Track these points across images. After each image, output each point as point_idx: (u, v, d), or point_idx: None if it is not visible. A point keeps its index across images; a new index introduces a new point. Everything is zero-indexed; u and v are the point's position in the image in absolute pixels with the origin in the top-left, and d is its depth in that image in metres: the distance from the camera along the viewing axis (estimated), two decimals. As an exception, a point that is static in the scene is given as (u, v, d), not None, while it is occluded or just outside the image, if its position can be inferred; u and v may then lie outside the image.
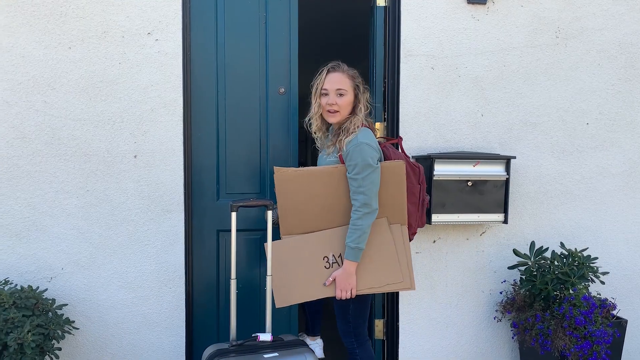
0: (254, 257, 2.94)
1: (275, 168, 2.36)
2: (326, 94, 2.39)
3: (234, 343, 2.34)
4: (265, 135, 2.92)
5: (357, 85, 2.42)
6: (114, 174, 2.69)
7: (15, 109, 2.59)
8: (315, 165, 2.47)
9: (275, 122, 2.92)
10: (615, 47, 3.18)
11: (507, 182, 2.93)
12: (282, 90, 2.92)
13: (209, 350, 2.36)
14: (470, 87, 3.03)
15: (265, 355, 2.22)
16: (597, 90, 3.18)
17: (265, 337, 2.35)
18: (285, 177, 2.37)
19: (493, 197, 2.92)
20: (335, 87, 2.37)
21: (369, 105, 2.47)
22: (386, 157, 2.40)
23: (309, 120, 2.51)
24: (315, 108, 2.46)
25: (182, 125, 2.75)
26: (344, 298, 2.33)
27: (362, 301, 2.43)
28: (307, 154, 7.54)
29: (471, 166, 2.89)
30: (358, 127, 2.36)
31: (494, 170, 2.92)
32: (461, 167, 2.89)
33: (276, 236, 2.77)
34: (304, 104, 2.91)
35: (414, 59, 2.97)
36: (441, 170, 2.84)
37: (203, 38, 2.83)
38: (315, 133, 2.53)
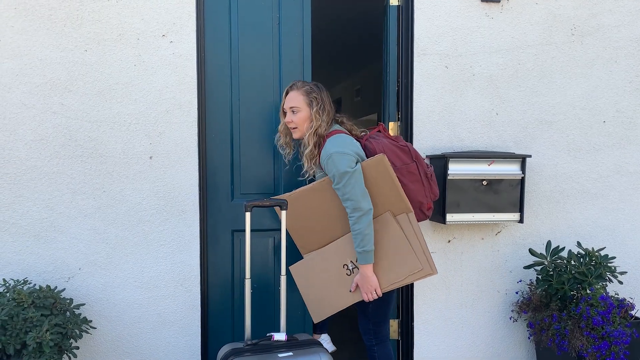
0: (268, 256, 2.95)
1: (277, 210, 2.53)
2: (285, 112, 2.54)
3: (249, 342, 2.35)
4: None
5: (311, 100, 2.48)
6: (130, 175, 2.72)
7: (33, 111, 2.63)
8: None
9: (289, 123, 2.93)
10: (633, 44, 3.15)
11: (522, 181, 2.90)
12: (296, 90, 2.93)
13: (224, 350, 2.37)
14: (485, 85, 3.01)
15: (280, 355, 2.23)
16: (613, 87, 3.14)
17: (280, 336, 2.36)
18: (290, 200, 2.51)
19: (508, 196, 2.90)
20: (289, 105, 2.50)
21: (322, 117, 2.46)
22: (370, 152, 2.42)
23: (278, 135, 2.66)
24: (281, 126, 2.61)
25: (196, 126, 2.77)
26: (371, 300, 2.39)
27: (382, 299, 2.46)
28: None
29: (486, 165, 2.87)
30: (310, 142, 2.44)
31: (509, 169, 2.90)
32: (476, 166, 2.87)
33: (290, 238, 2.79)
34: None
35: (427, 58, 2.96)
36: (456, 169, 2.83)
37: (216, 39, 2.85)
38: (282, 147, 2.66)
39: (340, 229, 2.46)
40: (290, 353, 2.24)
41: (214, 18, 2.84)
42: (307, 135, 2.46)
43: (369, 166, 2.33)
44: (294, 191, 2.50)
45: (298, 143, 2.62)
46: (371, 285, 2.37)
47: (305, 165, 2.49)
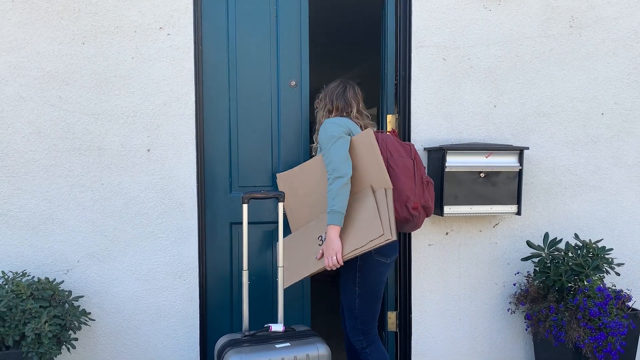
0: (266, 249, 2.96)
1: (277, 174, 2.68)
2: None
3: (247, 333, 2.36)
4: (276, 128, 2.93)
5: (320, 99, 2.71)
6: (127, 168, 2.73)
7: (31, 104, 2.63)
8: None
9: (287, 115, 2.93)
10: (631, 36, 3.14)
11: (520, 173, 2.90)
12: (294, 83, 2.93)
13: (222, 340, 2.39)
14: (483, 78, 3.01)
15: (277, 345, 2.24)
16: (612, 79, 3.14)
17: (277, 327, 2.38)
18: (282, 177, 2.67)
19: (506, 188, 2.90)
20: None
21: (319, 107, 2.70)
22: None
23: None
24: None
25: (194, 118, 2.77)
26: (331, 265, 2.33)
27: (369, 295, 2.44)
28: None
29: (484, 157, 2.87)
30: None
31: (507, 162, 2.90)
32: (473, 159, 2.87)
33: (287, 227, 2.80)
34: (315, 97, 2.92)
35: (425, 50, 2.95)
36: (453, 161, 2.83)
37: (214, 32, 2.85)
38: None
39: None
40: (288, 344, 2.25)
41: (211, 10, 2.83)
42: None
43: (357, 141, 2.43)
44: (287, 171, 2.67)
45: None
46: (333, 249, 2.32)
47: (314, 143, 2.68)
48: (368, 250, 2.32)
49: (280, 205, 2.45)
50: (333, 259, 2.32)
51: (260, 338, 2.34)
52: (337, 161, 2.36)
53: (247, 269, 2.42)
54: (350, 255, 2.34)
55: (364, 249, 2.32)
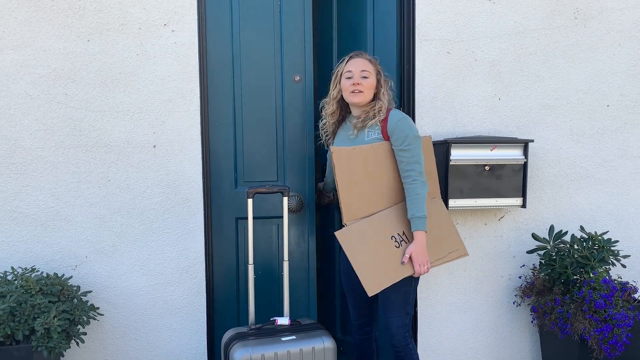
0: (272, 243, 2.97)
1: (332, 147, 2.42)
2: (349, 77, 2.47)
3: (253, 327, 2.38)
4: (281, 123, 2.94)
5: (378, 70, 2.51)
6: (134, 164, 2.75)
7: (38, 101, 2.66)
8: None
9: (291, 110, 2.94)
10: (636, 27, 3.12)
11: (525, 165, 2.90)
12: (298, 78, 2.94)
13: (228, 334, 2.41)
14: (487, 70, 3.01)
15: (283, 338, 2.26)
16: (617, 71, 3.12)
17: (283, 320, 2.39)
18: (344, 154, 2.40)
19: (511, 181, 2.90)
20: (360, 68, 2.46)
21: (391, 93, 2.54)
22: None
23: (323, 104, 2.64)
24: (334, 93, 2.56)
25: (199, 115, 2.79)
26: (422, 273, 2.35)
27: (415, 285, 2.46)
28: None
29: (488, 150, 2.87)
30: (382, 111, 2.45)
31: (512, 154, 2.90)
32: (478, 152, 2.87)
33: (292, 222, 2.81)
34: (320, 92, 2.93)
35: (429, 44, 2.95)
36: (458, 155, 2.83)
37: (218, 28, 2.86)
38: (324, 118, 2.64)
39: (388, 199, 2.43)
40: (294, 337, 2.27)
41: (215, 6, 2.84)
42: (370, 105, 2.48)
43: (423, 142, 2.45)
44: (352, 147, 2.42)
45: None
46: (425, 258, 2.33)
47: (354, 132, 2.48)
48: (447, 261, 2.43)
49: (285, 199, 2.45)
50: (424, 267, 2.34)
51: (267, 331, 2.36)
52: (422, 163, 2.38)
53: (252, 263, 2.44)
54: (434, 264, 2.40)
55: (445, 260, 2.41)
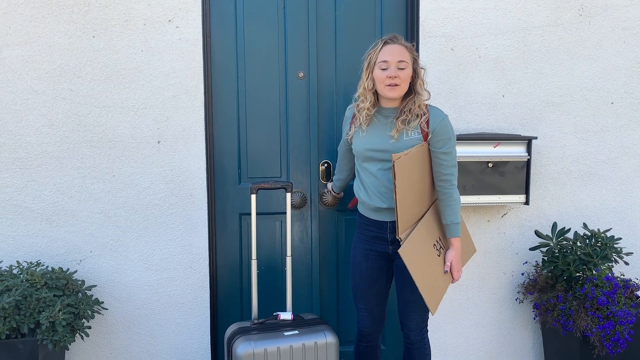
0: (275, 239, 2.99)
1: (394, 156, 2.15)
2: (385, 68, 2.23)
3: (256, 321, 2.40)
4: (285, 119, 2.95)
5: (414, 58, 2.29)
6: (138, 160, 2.77)
7: (43, 97, 2.68)
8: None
9: (295, 107, 2.95)
10: (641, 24, 3.11)
11: (528, 162, 2.90)
12: (302, 74, 2.95)
13: (231, 329, 2.43)
14: (491, 67, 3.00)
15: (286, 333, 2.28)
16: (622, 68, 3.11)
17: (286, 315, 2.41)
18: (405, 162, 2.19)
19: (514, 178, 2.90)
20: (397, 58, 2.21)
21: (426, 82, 2.36)
22: None
23: (357, 97, 2.36)
24: (369, 84, 2.28)
25: (203, 111, 2.80)
26: (458, 280, 2.33)
27: None
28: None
29: (492, 147, 2.88)
30: (423, 108, 2.28)
31: (515, 151, 2.90)
32: (481, 149, 2.87)
33: (295, 218, 2.82)
34: (323, 88, 2.94)
35: (433, 40, 2.95)
36: (461, 151, 2.82)
37: (222, 24, 2.87)
38: (362, 111, 2.33)
39: (426, 202, 2.35)
40: (296, 331, 2.29)
41: (219, 3, 2.85)
42: (407, 99, 2.29)
43: None
44: (405, 151, 2.21)
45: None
46: (460, 263, 2.29)
47: (395, 133, 2.26)
48: (465, 262, 2.44)
49: (288, 195, 2.46)
50: (460, 274, 2.32)
51: (269, 326, 2.37)
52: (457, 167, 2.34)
53: (255, 258, 2.45)
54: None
55: (465, 261, 2.42)
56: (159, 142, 2.78)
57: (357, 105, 2.37)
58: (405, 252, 2.17)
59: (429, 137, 2.27)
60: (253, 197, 2.46)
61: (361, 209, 2.46)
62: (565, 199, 3.12)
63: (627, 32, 3.10)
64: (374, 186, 2.33)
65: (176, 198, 2.80)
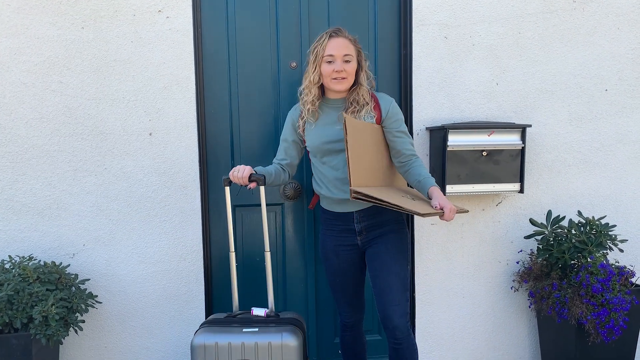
0: (269, 231, 2.97)
1: (345, 114, 2.22)
2: (331, 62, 2.28)
3: (230, 314, 2.37)
4: (277, 109, 2.93)
5: (359, 51, 2.35)
6: (130, 152, 2.74)
7: (33, 89, 2.65)
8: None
9: (288, 97, 2.92)
10: (635, 10, 3.09)
11: (522, 151, 2.89)
12: (294, 64, 2.92)
13: (207, 319, 2.40)
14: (485, 55, 2.98)
15: (245, 329, 2.21)
16: (616, 55, 3.10)
17: (259, 311, 2.34)
18: (356, 124, 2.23)
19: (509, 166, 2.89)
20: (343, 52, 2.27)
21: (370, 73, 2.41)
22: None
23: (302, 90, 2.39)
24: (315, 77, 2.32)
25: (195, 102, 2.77)
26: (450, 219, 2.17)
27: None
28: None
29: (486, 136, 2.86)
30: (367, 97, 2.35)
31: (509, 140, 2.89)
32: (476, 137, 2.86)
33: (290, 209, 2.79)
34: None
35: (426, 29, 2.93)
36: (455, 140, 2.82)
37: (213, 14, 2.84)
38: (306, 104, 2.37)
39: (386, 179, 2.42)
40: (256, 329, 2.21)
41: (209, -8, 2.82)
42: (352, 90, 2.35)
43: None
44: (360, 120, 2.28)
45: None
46: (451, 204, 2.17)
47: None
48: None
49: (262, 189, 2.37)
50: (453, 214, 2.16)
51: (238, 320, 2.30)
52: None
53: (234, 250, 2.41)
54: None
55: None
56: (150, 134, 2.75)
57: (302, 98, 2.41)
58: (361, 190, 2.11)
59: (383, 119, 2.36)
60: (227, 189, 2.39)
61: (324, 204, 2.46)
62: (559, 186, 3.12)
63: (621, 19, 3.08)
64: (336, 179, 2.35)
65: (169, 190, 2.78)
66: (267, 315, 2.33)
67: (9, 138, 2.64)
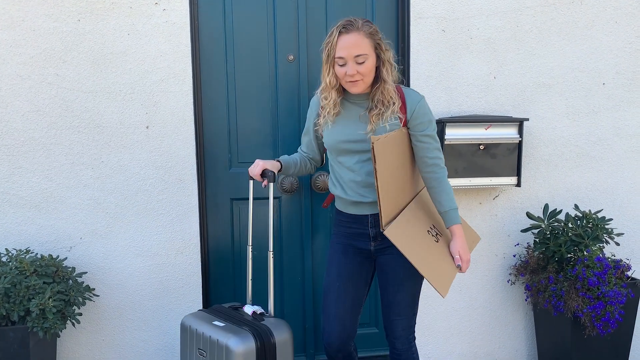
0: (268, 223, 2.96)
1: (372, 137, 1.98)
2: (342, 64, 2.03)
3: (229, 306, 2.42)
4: (275, 103, 2.92)
5: (377, 44, 2.05)
6: (127, 145, 2.73)
7: (29, 82, 2.64)
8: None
9: (285, 90, 2.92)
10: (633, 3, 3.09)
11: (520, 144, 2.90)
12: (292, 57, 2.91)
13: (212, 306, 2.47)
14: (483, 49, 2.98)
15: (214, 322, 2.27)
16: (613, 49, 3.10)
17: (248, 309, 2.35)
18: (385, 145, 2.03)
19: (506, 160, 2.90)
20: (354, 53, 2.00)
21: (394, 64, 2.12)
22: None
23: (319, 92, 2.19)
24: (331, 80, 2.09)
25: (192, 95, 2.76)
26: (465, 271, 2.14)
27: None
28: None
29: (483, 129, 2.86)
30: (393, 96, 2.09)
31: (507, 133, 2.89)
32: (473, 131, 2.86)
33: (287, 203, 2.79)
34: (314, 71, 2.91)
35: (424, 22, 2.92)
36: (453, 134, 2.82)
37: (210, 6, 2.82)
38: (325, 108, 2.16)
39: (411, 190, 2.22)
40: (223, 324, 2.25)
41: (206, -16, 2.81)
42: (375, 88, 2.09)
43: None
44: (384, 134, 2.05)
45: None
46: (468, 252, 2.11)
47: (371, 127, 2.09)
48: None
49: (251, 182, 2.37)
50: (468, 264, 2.13)
51: (223, 312, 2.37)
52: None
53: (251, 244, 2.43)
54: None
55: (471, 250, 2.27)
56: (147, 127, 2.74)
57: (321, 100, 2.19)
58: (392, 233, 2.01)
59: (408, 121, 2.12)
60: (250, 182, 2.37)
61: (339, 205, 2.29)
62: (556, 180, 3.12)
63: (618, 12, 3.08)
64: (351, 180, 2.16)
65: (166, 184, 2.78)
66: (253, 315, 2.32)
67: (5, 131, 2.63)
